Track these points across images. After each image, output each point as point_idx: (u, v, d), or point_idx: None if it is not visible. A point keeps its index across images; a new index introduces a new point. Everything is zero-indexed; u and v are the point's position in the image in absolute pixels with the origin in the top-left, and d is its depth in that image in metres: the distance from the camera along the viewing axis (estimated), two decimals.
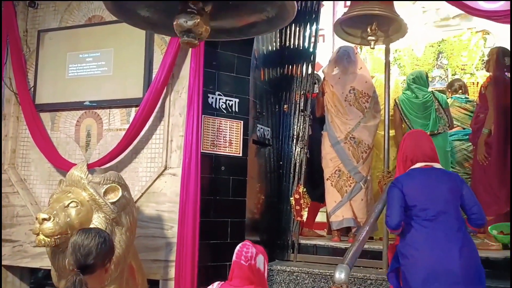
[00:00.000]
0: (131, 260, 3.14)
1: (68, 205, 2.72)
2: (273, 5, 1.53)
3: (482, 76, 6.32)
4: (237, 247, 2.51)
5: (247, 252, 2.46)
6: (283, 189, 4.42)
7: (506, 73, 4.37)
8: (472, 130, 4.58)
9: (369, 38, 3.42)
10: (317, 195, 4.69)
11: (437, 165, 2.85)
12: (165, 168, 3.74)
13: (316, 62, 6.60)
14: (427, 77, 5.20)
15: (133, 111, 3.83)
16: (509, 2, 3.43)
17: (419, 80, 4.99)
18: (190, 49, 3.69)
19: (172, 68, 3.70)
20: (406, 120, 4.92)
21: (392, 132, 5.11)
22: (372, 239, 4.77)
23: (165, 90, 3.76)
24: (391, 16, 3.43)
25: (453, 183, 2.77)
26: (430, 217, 2.67)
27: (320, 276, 3.77)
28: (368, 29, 3.43)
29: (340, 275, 2.36)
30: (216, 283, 2.51)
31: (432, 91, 5.12)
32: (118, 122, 3.93)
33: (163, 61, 3.66)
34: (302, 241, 4.27)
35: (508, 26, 4.13)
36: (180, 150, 3.70)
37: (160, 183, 3.74)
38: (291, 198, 4.18)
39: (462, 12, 5.11)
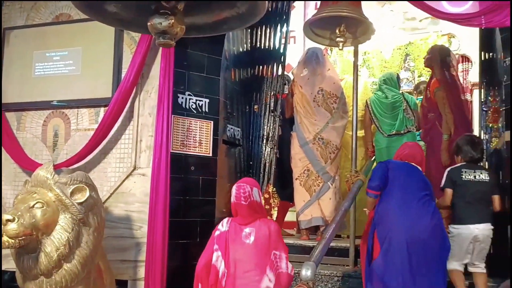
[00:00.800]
0: (99, 261, 3.09)
1: (33, 206, 2.66)
2: (243, 1, 1.54)
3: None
4: (234, 190, 2.83)
5: (244, 193, 2.79)
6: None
7: (446, 72, 4.47)
8: (424, 129, 4.60)
9: (337, 39, 3.47)
10: (287, 195, 4.72)
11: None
12: (134, 168, 3.70)
13: (287, 63, 6.68)
14: (398, 78, 5.31)
15: (102, 111, 3.78)
16: (474, 5, 3.54)
17: (390, 81, 5.09)
18: (160, 48, 3.67)
19: (141, 68, 3.67)
20: (375, 120, 5.02)
21: (361, 133, 5.20)
22: (340, 237, 4.85)
23: (134, 90, 3.71)
24: (359, 18, 3.49)
25: (429, 185, 3.23)
26: (408, 191, 3.10)
27: None
28: (337, 31, 3.48)
29: (306, 272, 2.39)
30: (226, 219, 2.89)
31: (402, 92, 5.23)
32: (86, 122, 3.87)
33: (133, 60, 3.62)
34: None
35: (471, 28, 4.28)
36: (149, 150, 3.67)
37: (129, 183, 3.70)
38: None
39: (429, 15, 5.27)
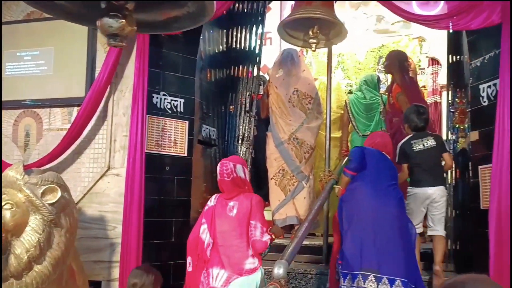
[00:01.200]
0: (71, 262, 3.02)
1: (2, 207, 2.59)
2: (193, 1, 1.53)
3: (419, 81, 6.61)
4: (218, 167, 3.07)
5: (227, 170, 3.02)
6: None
7: (405, 76, 4.58)
8: (389, 134, 4.72)
9: (311, 40, 3.49)
10: (262, 195, 4.70)
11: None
12: (108, 168, 3.64)
13: (263, 64, 6.72)
14: (378, 81, 5.38)
15: (75, 110, 3.71)
16: (443, 8, 3.61)
17: (370, 83, 5.15)
18: (135, 48, 3.63)
19: (115, 67, 3.61)
20: (352, 119, 5.06)
21: (336, 134, 5.25)
22: (314, 235, 4.88)
23: (108, 90, 3.66)
24: (331, 20, 3.51)
25: (397, 174, 3.47)
26: (380, 177, 3.28)
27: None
28: (310, 32, 3.50)
29: (278, 270, 2.39)
30: (215, 195, 3.12)
31: (381, 94, 5.29)
32: (59, 121, 3.79)
33: (106, 60, 3.57)
34: None
35: (441, 32, 4.36)
36: (123, 150, 3.62)
37: (103, 183, 3.64)
38: None
39: (401, 19, 5.35)
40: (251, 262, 2.91)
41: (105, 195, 3.62)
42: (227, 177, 3.02)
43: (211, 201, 3.09)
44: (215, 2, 1.53)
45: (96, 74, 3.63)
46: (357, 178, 3.36)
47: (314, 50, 3.42)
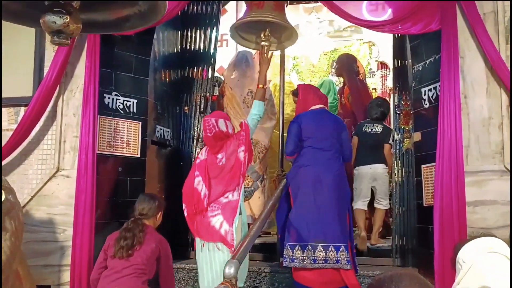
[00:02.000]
0: (17, 266, 2.88)
1: None
2: (144, 2, 1.50)
3: (369, 83, 6.77)
4: (202, 124, 3.39)
5: (209, 125, 3.14)
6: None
7: (355, 78, 4.72)
8: None
9: (262, 43, 3.49)
10: None
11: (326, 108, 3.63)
12: (58, 170, 3.52)
13: (220, 65, 6.68)
14: (332, 84, 5.47)
15: (22, 110, 3.57)
16: (390, 14, 3.71)
17: (324, 88, 5.21)
18: (85, 47, 3.53)
19: (65, 66, 3.50)
20: None
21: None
22: (269, 234, 4.89)
23: (57, 89, 3.55)
24: (282, 24, 3.52)
25: (337, 124, 3.54)
26: (319, 146, 3.40)
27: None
28: (262, 35, 3.50)
29: (229, 270, 2.39)
30: (204, 148, 3.27)
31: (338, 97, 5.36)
32: (5, 121, 3.63)
33: (55, 58, 3.45)
34: None
35: (389, 37, 4.48)
36: (74, 151, 3.51)
37: (52, 185, 3.51)
38: None
39: (352, 24, 5.46)
40: (234, 194, 3.06)
41: (54, 197, 3.49)
42: (210, 132, 3.14)
43: (202, 155, 3.24)
44: (166, 1, 1.49)
45: (45, 73, 3.50)
46: (298, 157, 3.46)
47: (266, 53, 3.42)
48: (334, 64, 5.21)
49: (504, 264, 1.44)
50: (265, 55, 3.46)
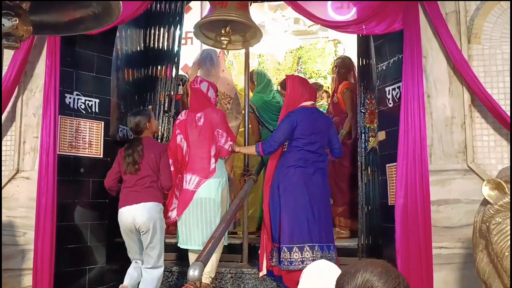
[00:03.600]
0: None
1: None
2: (98, 1, 1.52)
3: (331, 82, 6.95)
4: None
5: (195, 81, 3.77)
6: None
7: (353, 77, 4.89)
8: None
9: (222, 38, 3.60)
10: None
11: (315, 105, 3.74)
12: (17, 172, 3.51)
13: (184, 64, 6.74)
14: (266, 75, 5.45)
15: None
16: (354, 14, 3.86)
17: (261, 80, 5.14)
18: (45, 46, 3.53)
19: (24, 66, 3.49)
20: (263, 121, 5.11)
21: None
22: (236, 234, 5.00)
23: (16, 89, 3.53)
24: (246, 23, 3.63)
25: (326, 122, 3.68)
26: (311, 148, 3.51)
27: (182, 274, 3.86)
28: (222, 31, 3.60)
29: (194, 272, 2.44)
30: (184, 111, 3.82)
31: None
32: None
33: (14, 57, 3.43)
34: (168, 240, 4.30)
35: (352, 35, 4.65)
36: (34, 152, 3.51)
37: (12, 187, 3.50)
38: None
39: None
40: (213, 162, 3.61)
41: (13, 200, 3.48)
42: (192, 85, 3.71)
43: (182, 116, 3.77)
44: (121, 3, 1.54)
45: (3, 73, 3.47)
46: (293, 148, 3.54)
47: (225, 48, 3.55)
48: (334, 68, 5.21)
49: None
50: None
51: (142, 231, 3.37)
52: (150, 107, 4.57)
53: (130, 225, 3.38)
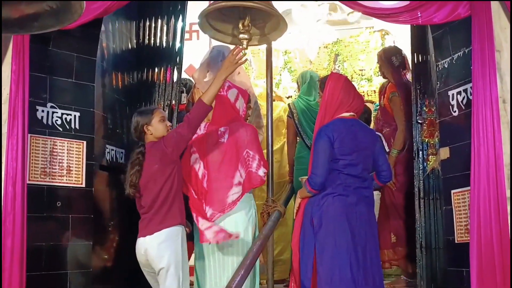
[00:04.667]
0: None
1: None
2: None
3: (383, 82, 6.85)
4: None
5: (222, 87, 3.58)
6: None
7: (399, 74, 4.76)
8: None
9: (241, 36, 3.49)
10: (190, 234, 4.68)
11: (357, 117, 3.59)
12: None
13: (189, 64, 6.74)
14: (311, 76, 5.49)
15: None
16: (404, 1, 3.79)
17: (304, 82, 5.23)
18: (11, 46, 3.53)
19: None
20: (301, 130, 5.06)
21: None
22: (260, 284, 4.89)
23: None
24: (267, 10, 3.52)
25: (371, 138, 3.56)
26: (352, 171, 3.39)
27: None
28: (240, 25, 3.51)
29: None
30: (203, 123, 3.62)
31: None
32: None
33: None
34: None
35: (402, 26, 4.56)
36: None
37: None
38: None
39: None
40: (235, 192, 3.47)
41: None
42: (219, 92, 3.50)
43: (200, 129, 3.60)
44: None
45: None
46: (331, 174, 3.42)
47: (246, 48, 3.45)
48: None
49: None
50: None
51: (155, 270, 3.29)
52: None
53: (144, 261, 3.32)
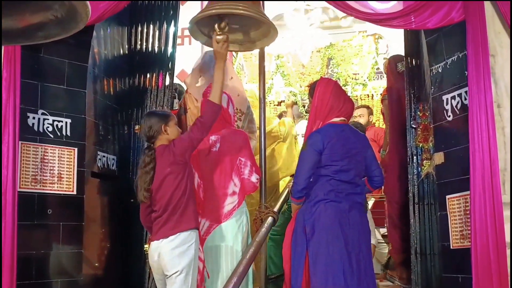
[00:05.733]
0: None
1: None
2: (61, 3, 1.53)
3: (377, 87, 6.91)
4: None
5: (209, 93, 3.61)
6: (135, 233, 4.37)
7: (395, 79, 4.82)
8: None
9: (216, 37, 3.49)
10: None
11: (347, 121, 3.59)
12: None
13: (180, 70, 6.75)
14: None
15: None
16: (398, 4, 3.82)
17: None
18: (2, 52, 3.54)
19: None
20: None
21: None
22: None
23: None
24: (256, 17, 3.55)
25: (362, 143, 3.52)
26: (344, 177, 3.35)
27: None
28: (216, 27, 3.51)
29: None
30: None
31: None
32: None
33: None
34: None
35: (396, 30, 4.59)
36: None
37: None
38: (145, 246, 4.13)
39: None
40: (230, 202, 3.53)
41: None
42: (208, 97, 3.54)
43: None
44: (89, 5, 1.52)
45: None
46: (317, 184, 3.41)
47: (230, 50, 3.53)
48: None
49: None
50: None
51: (166, 274, 3.26)
52: (137, 127, 4.54)
53: (156, 265, 3.29)
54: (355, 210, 3.40)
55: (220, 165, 3.58)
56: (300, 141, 5.45)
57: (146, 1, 4.71)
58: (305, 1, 6.81)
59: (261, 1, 3.80)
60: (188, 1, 6.82)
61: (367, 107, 6.25)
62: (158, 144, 3.35)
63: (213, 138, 3.62)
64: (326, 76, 7.15)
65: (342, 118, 3.49)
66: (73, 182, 3.79)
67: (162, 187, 3.28)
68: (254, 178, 3.59)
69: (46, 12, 1.60)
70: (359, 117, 5.95)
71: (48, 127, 3.72)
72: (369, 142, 3.65)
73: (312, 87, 3.65)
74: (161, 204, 3.28)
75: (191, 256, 3.22)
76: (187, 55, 6.55)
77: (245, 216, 3.66)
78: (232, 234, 3.54)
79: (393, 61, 4.95)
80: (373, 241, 4.45)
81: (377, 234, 5.42)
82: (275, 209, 4.17)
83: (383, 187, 4.71)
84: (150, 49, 4.72)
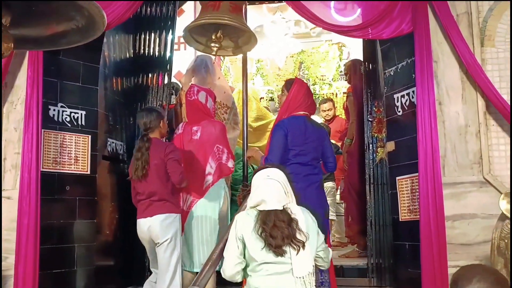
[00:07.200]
0: None
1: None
2: (82, 14, 1.54)
3: (340, 86, 6.99)
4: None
5: (190, 91, 3.74)
6: None
7: (359, 80, 4.89)
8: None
9: (212, 44, 3.58)
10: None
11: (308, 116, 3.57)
12: None
13: (178, 71, 6.75)
14: None
15: None
16: (358, 18, 3.88)
17: None
18: (27, 55, 3.54)
19: (4, 76, 3.50)
20: None
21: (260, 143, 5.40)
22: None
23: None
24: (239, 27, 3.63)
25: (321, 133, 3.51)
26: (302, 160, 3.35)
27: None
28: (213, 36, 3.59)
29: None
30: (181, 123, 3.83)
31: None
32: None
33: None
34: None
35: (356, 39, 4.65)
36: (15, 169, 3.51)
37: None
38: None
39: None
40: (206, 181, 3.57)
41: None
42: (189, 97, 3.68)
43: (179, 129, 3.77)
44: (105, 16, 1.55)
45: None
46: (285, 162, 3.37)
47: (215, 55, 3.58)
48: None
49: (272, 184, 2.40)
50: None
51: (157, 243, 3.34)
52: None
53: (146, 237, 3.38)
54: (312, 188, 3.37)
55: (200, 150, 3.64)
56: None
57: (148, 13, 4.72)
58: (281, 14, 6.83)
59: (243, 13, 3.85)
60: (183, 14, 6.80)
61: (331, 100, 6.27)
62: (152, 135, 3.44)
63: (195, 128, 3.69)
64: (298, 76, 7.25)
65: (304, 113, 3.50)
66: (87, 164, 3.80)
67: (150, 174, 3.35)
68: (230, 163, 3.64)
69: (69, 22, 1.60)
70: (329, 110, 5.96)
71: (66, 117, 3.72)
72: (327, 134, 3.65)
73: (289, 82, 3.64)
74: (148, 189, 3.35)
75: (176, 230, 3.34)
76: (183, 58, 6.54)
77: (223, 191, 3.72)
78: (211, 207, 3.62)
79: (357, 63, 5.02)
80: (332, 217, 4.56)
81: (340, 209, 5.52)
82: None
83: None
84: (151, 53, 4.73)
